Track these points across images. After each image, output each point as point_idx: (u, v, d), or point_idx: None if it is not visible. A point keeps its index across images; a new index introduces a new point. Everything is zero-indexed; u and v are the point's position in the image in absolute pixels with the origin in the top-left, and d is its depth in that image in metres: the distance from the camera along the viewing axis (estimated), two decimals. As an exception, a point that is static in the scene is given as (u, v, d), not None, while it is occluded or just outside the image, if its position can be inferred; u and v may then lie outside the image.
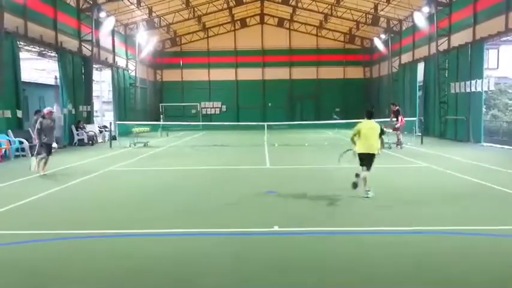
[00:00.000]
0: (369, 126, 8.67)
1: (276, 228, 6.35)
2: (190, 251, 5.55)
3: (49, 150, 11.87)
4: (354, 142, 8.81)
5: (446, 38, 23.67)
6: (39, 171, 11.62)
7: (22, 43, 18.64)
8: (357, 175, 8.62)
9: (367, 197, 8.35)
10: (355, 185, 8.61)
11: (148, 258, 5.22)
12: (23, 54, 19.07)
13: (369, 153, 8.54)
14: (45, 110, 12.20)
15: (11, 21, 17.45)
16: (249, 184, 10.43)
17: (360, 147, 8.64)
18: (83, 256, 5.39)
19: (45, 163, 11.81)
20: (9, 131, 16.39)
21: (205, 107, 41.89)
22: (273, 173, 12.26)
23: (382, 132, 8.72)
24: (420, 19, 26.24)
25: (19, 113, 17.59)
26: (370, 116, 8.93)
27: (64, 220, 7.09)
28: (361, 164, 8.66)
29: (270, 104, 40.11)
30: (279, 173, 12.34)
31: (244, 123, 29.60)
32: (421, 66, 27.62)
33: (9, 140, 15.98)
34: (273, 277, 4.64)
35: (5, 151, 15.51)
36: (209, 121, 38.19)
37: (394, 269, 4.87)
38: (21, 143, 16.40)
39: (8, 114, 16.68)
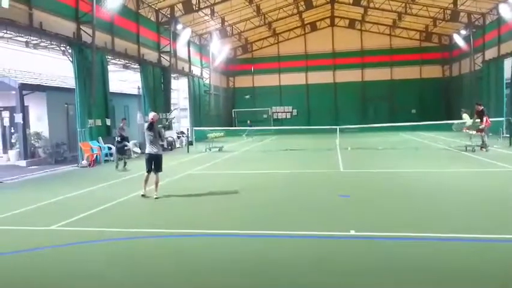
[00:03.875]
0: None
1: (352, 232, 6.33)
2: (268, 252, 5.73)
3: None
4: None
5: (538, 30, 21.68)
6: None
7: (110, 57, 20.42)
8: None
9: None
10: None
11: (228, 258, 5.51)
12: (109, 67, 20.85)
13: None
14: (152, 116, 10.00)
15: (101, 38, 19.21)
16: (323, 188, 10.44)
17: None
18: (171, 253, 5.83)
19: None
20: (100, 137, 18.00)
21: (276, 112, 42.33)
22: (347, 177, 12.12)
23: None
24: (506, 11, 24.30)
25: (108, 121, 19.27)
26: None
27: (157, 219, 7.69)
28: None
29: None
30: (353, 177, 12.17)
31: (316, 127, 29.43)
32: (508, 62, 25.50)
33: (100, 146, 17.55)
34: (351, 280, 4.68)
35: (97, 156, 17.07)
36: (280, 125, 38.54)
37: (468, 277, 4.65)
38: (109, 148, 17.92)
39: (98, 122, 18.34)
